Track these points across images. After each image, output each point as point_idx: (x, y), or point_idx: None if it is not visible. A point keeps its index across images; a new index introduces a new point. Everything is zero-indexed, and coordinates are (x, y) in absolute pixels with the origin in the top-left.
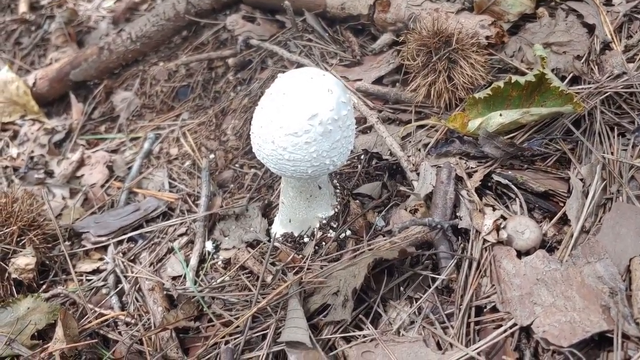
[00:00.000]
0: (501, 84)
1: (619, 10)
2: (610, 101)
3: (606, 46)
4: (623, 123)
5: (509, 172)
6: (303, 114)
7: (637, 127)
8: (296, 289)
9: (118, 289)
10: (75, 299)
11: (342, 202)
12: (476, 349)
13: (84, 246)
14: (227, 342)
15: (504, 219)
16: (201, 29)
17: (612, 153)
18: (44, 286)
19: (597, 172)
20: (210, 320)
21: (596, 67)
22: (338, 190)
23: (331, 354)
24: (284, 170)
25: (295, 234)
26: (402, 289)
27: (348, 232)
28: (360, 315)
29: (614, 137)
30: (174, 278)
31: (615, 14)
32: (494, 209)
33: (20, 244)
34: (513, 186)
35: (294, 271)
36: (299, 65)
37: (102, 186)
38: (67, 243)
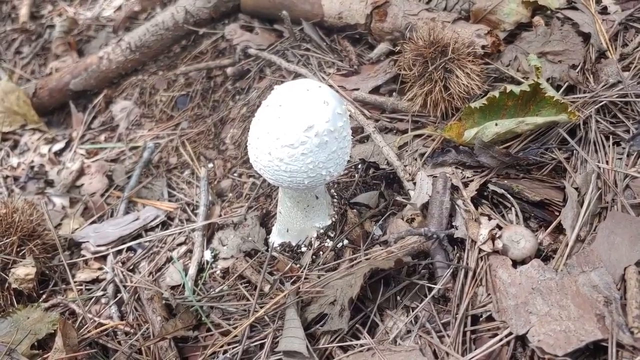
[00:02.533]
0: (496, 93)
1: (614, 19)
2: (606, 110)
3: (602, 55)
4: (618, 132)
5: (505, 181)
6: (299, 126)
7: (632, 135)
8: (293, 298)
9: (117, 298)
10: (74, 308)
11: (340, 211)
12: (472, 357)
13: (84, 256)
14: (225, 352)
15: (500, 228)
16: (200, 38)
17: (607, 162)
18: (44, 296)
19: (592, 181)
20: (208, 330)
21: (591, 76)
22: (335, 200)
23: None
24: (280, 181)
25: (293, 244)
26: (398, 298)
27: (345, 242)
28: (357, 325)
29: (609, 146)
30: (172, 287)
31: (610, 22)
32: (490, 219)
33: (20, 254)
34: (509, 195)
35: (291, 281)
36: (297, 74)
37: (102, 195)
38: (66, 253)
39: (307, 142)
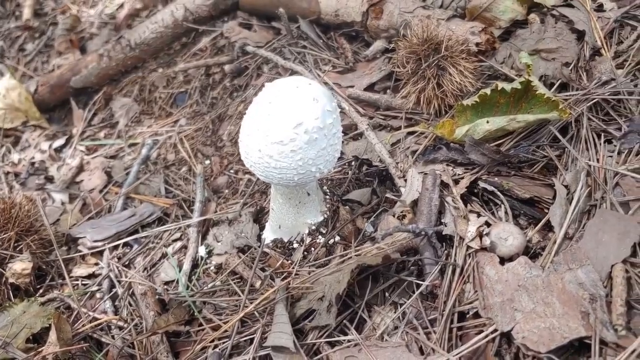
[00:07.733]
0: (488, 91)
1: (610, 16)
2: (598, 108)
3: (596, 52)
4: (610, 130)
5: (495, 178)
6: (288, 123)
7: (624, 133)
8: (283, 294)
9: (112, 293)
10: (70, 303)
11: (332, 208)
12: (457, 354)
13: (80, 251)
14: (215, 347)
15: (488, 225)
16: (199, 36)
17: (598, 160)
18: (41, 291)
19: (581, 178)
20: (200, 325)
21: (584, 73)
22: (328, 197)
23: (315, 358)
24: (270, 178)
25: (285, 240)
26: (387, 294)
27: (337, 238)
28: (345, 321)
29: (600, 144)
30: (166, 283)
31: (606, 19)
32: (479, 216)
33: (18, 249)
34: (499, 193)
35: (282, 277)
36: (293, 71)
37: (101, 191)
38: (63, 248)
39: (297, 139)
